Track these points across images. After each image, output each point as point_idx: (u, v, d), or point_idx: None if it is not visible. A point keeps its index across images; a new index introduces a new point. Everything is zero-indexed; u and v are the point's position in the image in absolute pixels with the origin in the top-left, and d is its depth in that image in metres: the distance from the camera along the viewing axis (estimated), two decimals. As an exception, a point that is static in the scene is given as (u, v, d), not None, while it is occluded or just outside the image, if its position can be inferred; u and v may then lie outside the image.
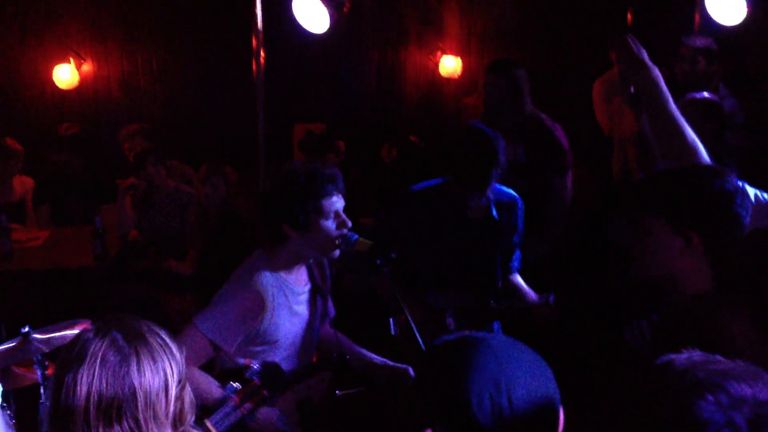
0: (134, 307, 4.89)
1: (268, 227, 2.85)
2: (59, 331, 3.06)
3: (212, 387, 2.76)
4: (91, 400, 1.61)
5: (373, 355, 3.17)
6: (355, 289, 4.77)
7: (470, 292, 3.45)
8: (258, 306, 2.79)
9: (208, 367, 2.89)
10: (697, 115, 3.94)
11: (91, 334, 1.67)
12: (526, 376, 1.44)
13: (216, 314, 2.79)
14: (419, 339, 2.56)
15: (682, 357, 1.19)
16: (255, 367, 2.68)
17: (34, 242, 5.63)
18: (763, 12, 5.42)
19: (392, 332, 2.62)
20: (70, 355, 1.66)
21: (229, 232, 5.13)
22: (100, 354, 1.63)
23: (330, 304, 3.25)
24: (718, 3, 5.23)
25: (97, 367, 1.62)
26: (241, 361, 2.86)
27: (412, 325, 2.59)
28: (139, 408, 1.62)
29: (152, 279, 5.34)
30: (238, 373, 2.88)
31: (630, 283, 2.39)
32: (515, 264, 3.68)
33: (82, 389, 1.61)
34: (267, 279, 2.84)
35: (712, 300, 1.93)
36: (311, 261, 3.06)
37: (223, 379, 2.85)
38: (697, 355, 1.19)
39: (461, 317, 3.30)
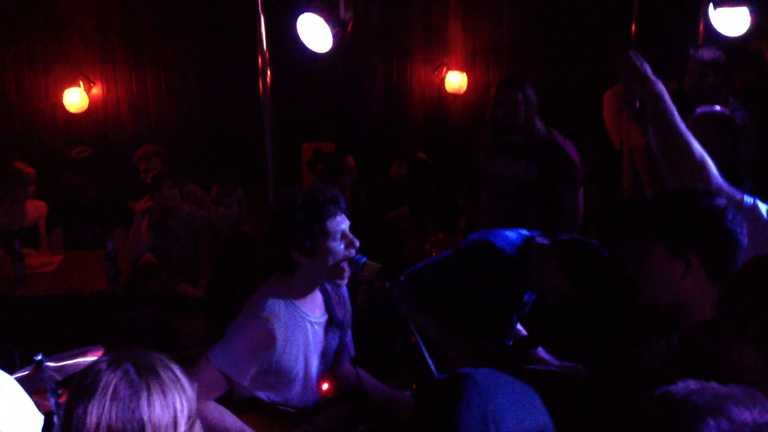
0: (146, 331, 4.89)
1: (277, 256, 2.82)
2: (72, 359, 3.06)
3: None
4: None
5: (394, 391, 3.14)
6: (369, 308, 4.77)
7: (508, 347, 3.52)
8: (270, 338, 2.76)
9: (225, 397, 2.89)
10: (713, 129, 3.91)
11: (104, 365, 1.67)
12: (513, 407, 1.44)
13: (228, 347, 2.77)
14: (431, 364, 2.54)
15: (679, 387, 1.19)
16: None
17: (48, 268, 5.62)
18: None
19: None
20: (82, 386, 1.66)
21: (239, 253, 5.14)
22: (111, 386, 1.63)
23: (350, 340, 3.20)
24: (722, 14, 5.25)
25: (108, 399, 1.62)
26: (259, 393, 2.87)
27: (423, 350, 2.57)
28: None
29: (164, 302, 5.35)
30: (250, 404, 2.88)
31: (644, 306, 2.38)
32: None
33: (92, 420, 1.61)
34: (280, 309, 2.81)
35: (718, 326, 1.92)
36: (329, 291, 3.03)
37: (238, 408, 2.85)
38: (692, 383, 1.19)
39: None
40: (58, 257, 5.87)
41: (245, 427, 2.78)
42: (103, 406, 1.62)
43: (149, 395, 1.63)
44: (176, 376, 1.70)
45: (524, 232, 3.46)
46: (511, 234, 3.45)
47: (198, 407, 2.63)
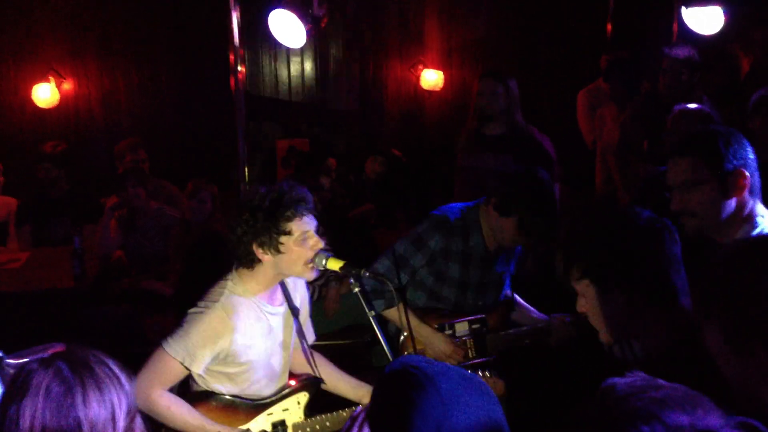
0: (113, 329, 4.82)
1: (240, 251, 2.80)
2: (33, 356, 3.00)
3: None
4: None
5: (351, 378, 3.15)
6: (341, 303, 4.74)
7: (481, 320, 3.50)
8: (225, 327, 2.75)
9: (183, 390, 2.85)
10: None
11: (35, 365, 1.63)
12: (470, 423, 1.43)
13: (182, 335, 2.75)
14: (390, 358, 2.54)
15: (624, 381, 1.17)
16: None
17: (14, 264, 5.55)
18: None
19: None
20: (14, 386, 1.61)
21: (210, 250, 5.08)
22: (44, 385, 1.58)
23: (310, 327, 3.20)
24: (695, 13, 5.27)
25: (40, 399, 1.57)
26: (217, 386, 2.84)
27: (384, 343, 2.57)
28: None
29: (132, 299, 5.29)
30: (207, 395, 2.86)
31: None
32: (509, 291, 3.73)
33: (26, 422, 1.57)
34: (236, 299, 2.80)
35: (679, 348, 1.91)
36: (288, 281, 3.02)
37: (195, 400, 2.81)
38: (639, 379, 1.17)
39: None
40: (26, 254, 5.79)
41: (204, 418, 2.76)
42: (36, 406, 1.57)
43: (84, 392, 1.59)
44: (112, 371, 1.66)
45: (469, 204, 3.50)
46: (455, 205, 3.51)
47: (154, 397, 2.65)
